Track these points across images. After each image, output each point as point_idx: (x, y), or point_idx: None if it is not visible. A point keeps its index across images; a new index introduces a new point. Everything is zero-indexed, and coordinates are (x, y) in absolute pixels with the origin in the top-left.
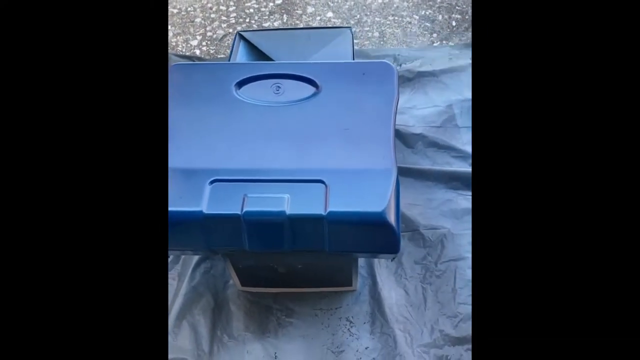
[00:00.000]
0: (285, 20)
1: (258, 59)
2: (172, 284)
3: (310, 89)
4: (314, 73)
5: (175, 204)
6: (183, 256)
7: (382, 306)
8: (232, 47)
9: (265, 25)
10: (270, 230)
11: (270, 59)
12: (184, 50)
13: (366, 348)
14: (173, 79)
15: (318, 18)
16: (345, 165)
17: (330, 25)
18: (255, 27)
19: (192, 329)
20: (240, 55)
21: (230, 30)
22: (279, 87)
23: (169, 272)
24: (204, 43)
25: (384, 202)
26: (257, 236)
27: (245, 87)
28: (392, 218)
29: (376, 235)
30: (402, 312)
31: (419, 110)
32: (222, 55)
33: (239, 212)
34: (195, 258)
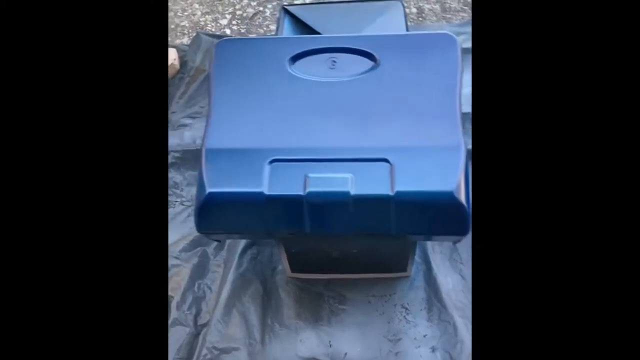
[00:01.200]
0: None
1: (305, 33)
2: (218, 271)
3: (368, 63)
4: (370, 46)
5: (235, 185)
6: (228, 242)
7: (438, 292)
8: (278, 22)
9: (297, 3)
10: (333, 212)
11: (319, 34)
12: (213, 29)
13: (424, 335)
14: (220, 54)
15: None
16: (409, 143)
17: None
18: (287, 5)
19: (243, 317)
20: (287, 31)
21: (261, 9)
22: (334, 61)
23: (215, 259)
24: (234, 22)
25: (454, 180)
26: (320, 218)
27: (299, 62)
28: (462, 197)
29: (446, 216)
30: (460, 298)
31: (466, 88)
32: (253, 35)
33: (301, 193)
34: (241, 244)
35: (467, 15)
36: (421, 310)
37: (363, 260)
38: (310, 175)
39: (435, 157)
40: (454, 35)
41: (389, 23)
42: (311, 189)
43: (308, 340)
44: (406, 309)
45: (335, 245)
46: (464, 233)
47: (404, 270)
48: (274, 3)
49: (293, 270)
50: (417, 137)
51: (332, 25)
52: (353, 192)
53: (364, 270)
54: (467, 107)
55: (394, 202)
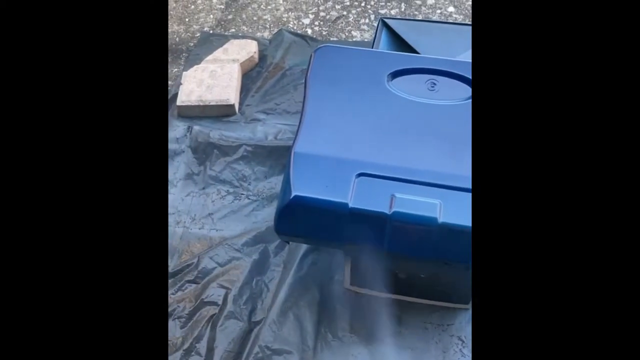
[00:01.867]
0: (403, 9)
1: (401, 49)
2: (277, 270)
3: (469, 90)
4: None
5: (320, 192)
6: (288, 245)
7: None
8: (376, 33)
9: (382, 12)
10: (416, 236)
11: (415, 51)
12: (295, 27)
13: None
14: (320, 59)
15: (438, 11)
16: None
17: (453, 21)
18: (370, 12)
19: (297, 321)
20: (383, 44)
21: (344, 13)
22: (434, 83)
23: (275, 258)
24: (316, 22)
25: None
26: (401, 240)
27: (398, 79)
28: None
29: None
30: None
31: None
32: (334, 38)
33: (386, 212)
34: (303, 248)
35: None
36: None
37: (427, 286)
38: (397, 195)
39: None
40: None
41: None
42: (398, 209)
43: (360, 356)
44: (463, 341)
45: (404, 267)
46: None
47: (466, 302)
48: (358, 9)
49: (353, 282)
50: None
51: (430, 45)
52: (441, 219)
53: (424, 295)
54: None
55: None
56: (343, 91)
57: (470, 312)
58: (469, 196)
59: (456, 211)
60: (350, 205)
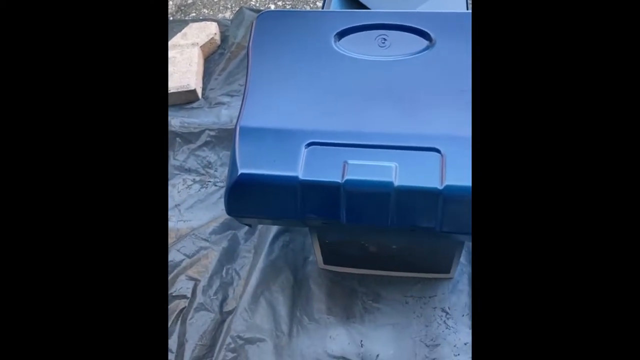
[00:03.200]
0: None
1: (352, 8)
2: (248, 256)
3: (422, 42)
4: (426, 24)
5: (268, 167)
6: (259, 227)
7: None
8: None
9: None
10: (373, 202)
11: (368, 9)
12: (257, 4)
13: (465, 344)
14: (261, 27)
15: None
16: (463, 132)
17: None
18: None
19: (270, 307)
20: (334, 6)
21: None
22: (384, 39)
23: (245, 244)
24: None
25: None
26: (358, 209)
27: (346, 39)
28: None
29: None
30: None
31: None
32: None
33: (339, 180)
34: (273, 231)
35: None
36: (463, 316)
37: (402, 258)
38: (350, 161)
39: None
40: None
41: (447, 1)
42: (350, 176)
43: (339, 337)
44: (447, 313)
45: (373, 239)
46: None
47: (447, 271)
48: None
49: (326, 262)
50: (469, 126)
51: (383, 2)
52: (397, 182)
53: (402, 268)
54: None
55: (443, 197)
56: (287, 57)
57: (452, 281)
58: (427, 155)
59: (414, 172)
60: (301, 177)
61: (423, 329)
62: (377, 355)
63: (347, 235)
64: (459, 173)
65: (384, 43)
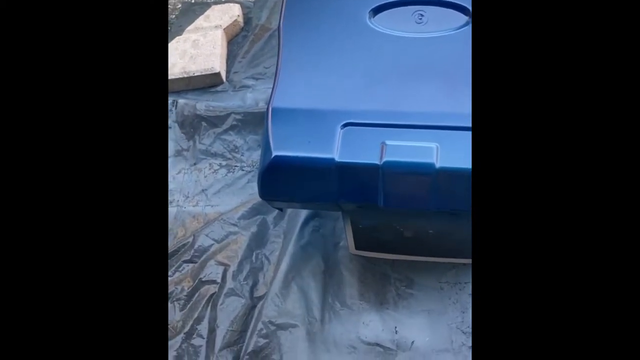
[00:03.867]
0: None
1: None
2: (277, 242)
3: (462, 18)
4: None
5: (303, 149)
6: (289, 212)
7: None
8: None
9: None
10: (413, 185)
11: None
12: None
13: None
14: (292, 5)
15: None
16: None
17: None
18: None
19: (302, 293)
20: None
21: None
22: (422, 15)
23: (275, 229)
24: None
25: None
26: (396, 192)
27: (381, 15)
28: None
29: None
30: None
31: None
32: None
33: (377, 162)
34: (303, 215)
35: None
36: None
37: (437, 243)
38: (388, 142)
39: None
40: None
41: None
42: (389, 158)
43: (372, 323)
44: None
45: (409, 223)
46: None
47: None
48: None
49: (358, 247)
50: None
51: None
52: (438, 164)
53: (436, 253)
54: None
55: None
56: (320, 35)
57: None
58: (468, 135)
59: (456, 153)
60: (337, 159)
61: (459, 315)
62: (412, 342)
63: (383, 220)
64: None
65: (421, 19)
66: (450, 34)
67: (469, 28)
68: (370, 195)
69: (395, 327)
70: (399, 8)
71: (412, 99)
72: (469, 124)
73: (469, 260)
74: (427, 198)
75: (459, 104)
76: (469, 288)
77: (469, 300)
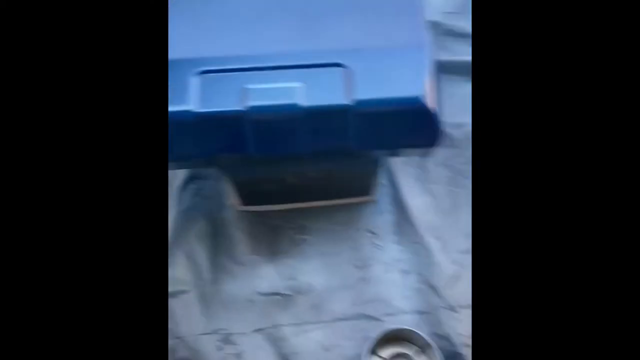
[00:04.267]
0: None
1: None
2: None
3: None
4: None
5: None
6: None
7: (407, 214)
8: None
9: None
10: (281, 128)
11: None
12: None
13: (395, 260)
14: None
15: None
16: (366, 44)
17: None
18: None
19: (190, 259)
20: None
21: None
22: None
23: None
24: None
25: (421, 84)
26: (266, 137)
27: None
28: (431, 102)
29: (413, 124)
30: (431, 218)
31: None
32: None
33: (240, 108)
34: (180, 177)
35: None
36: (390, 234)
37: (322, 186)
38: (251, 86)
39: (398, 59)
40: None
41: None
42: (253, 102)
43: (268, 276)
44: (373, 233)
45: (288, 169)
46: (433, 144)
47: (368, 193)
48: None
49: (243, 202)
50: (374, 37)
51: None
52: (304, 103)
53: (324, 197)
54: None
55: (353, 113)
56: None
57: (375, 203)
58: (331, 71)
59: (320, 91)
60: (195, 110)
61: (352, 252)
62: (310, 284)
63: (260, 170)
64: (367, 86)
65: None
66: None
67: None
68: (239, 145)
69: (291, 274)
70: None
71: (270, 39)
72: (329, 60)
73: (356, 199)
74: (296, 140)
75: (318, 40)
76: (359, 225)
77: (360, 236)
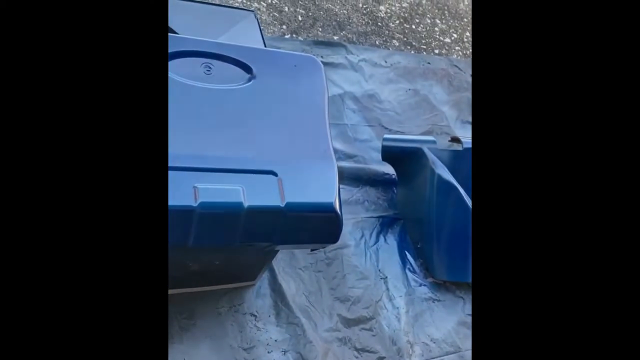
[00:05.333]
0: None
1: None
2: None
3: (244, 75)
4: (246, 57)
5: None
6: None
7: (284, 297)
8: None
9: None
10: (224, 223)
11: (173, 31)
12: None
13: (275, 340)
14: None
15: None
16: (290, 156)
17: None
18: None
19: None
20: None
21: None
22: (209, 67)
23: None
24: None
25: (333, 193)
26: (208, 231)
27: (173, 62)
28: (338, 208)
29: (325, 225)
30: (303, 301)
31: None
32: None
33: (192, 204)
34: None
35: (277, 30)
36: (269, 316)
37: (218, 272)
38: (199, 185)
39: (315, 171)
40: (318, 60)
41: (246, 34)
42: (204, 199)
43: None
44: (255, 316)
45: (202, 258)
46: (335, 240)
47: (253, 279)
48: None
49: None
50: (296, 151)
51: (188, 25)
52: (246, 203)
53: (213, 282)
54: None
55: (284, 213)
56: None
57: (256, 287)
58: (266, 178)
59: (258, 193)
60: None
61: (238, 335)
62: None
63: (177, 258)
64: (294, 192)
65: (209, 71)
66: (236, 87)
67: (252, 84)
68: (180, 237)
69: (184, 359)
70: (189, 58)
71: (211, 144)
72: (265, 167)
73: (240, 284)
74: (235, 234)
75: (254, 150)
76: (242, 309)
77: (244, 319)
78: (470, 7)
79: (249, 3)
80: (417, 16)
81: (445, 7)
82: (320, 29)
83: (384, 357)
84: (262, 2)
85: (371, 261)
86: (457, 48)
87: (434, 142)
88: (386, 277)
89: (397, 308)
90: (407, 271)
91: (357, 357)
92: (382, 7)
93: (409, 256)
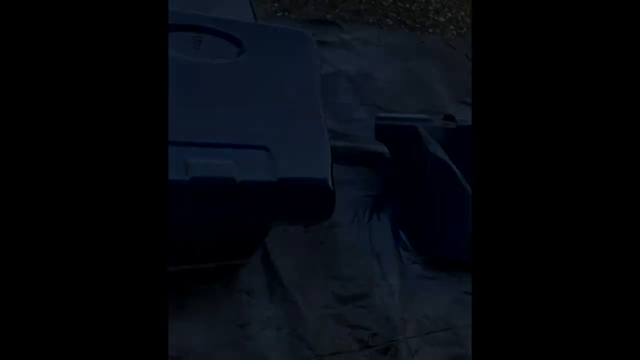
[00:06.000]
0: None
1: None
2: None
3: (234, 48)
4: (236, 31)
5: None
6: None
7: (278, 275)
8: None
9: None
10: (216, 198)
11: None
12: None
13: (269, 317)
14: None
15: None
16: (282, 132)
17: None
18: None
19: None
20: None
21: None
22: (199, 41)
23: None
24: None
25: (326, 168)
26: (201, 205)
27: None
28: (331, 184)
29: (318, 200)
30: (296, 278)
31: None
32: None
33: (185, 179)
34: None
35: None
36: (264, 293)
37: (211, 249)
38: (191, 160)
39: (307, 145)
40: (310, 35)
41: (237, 8)
42: (196, 174)
43: None
44: (249, 293)
45: (198, 233)
46: (328, 216)
47: (247, 256)
48: None
49: None
50: (288, 126)
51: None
52: (238, 178)
53: (206, 259)
54: None
55: (276, 188)
56: None
57: (250, 264)
58: (258, 152)
59: (250, 168)
60: None
61: (232, 312)
62: (196, 346)
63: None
64: (286, 167)
65: (199, 45)
66: (229, 61)
67: (243, 58)
68: (172, 212)
69: (178, 336)
70: (178, 32)
71: (202, 119)
72: (257, 142)
73: (235, 262)
74: (227, 208)
75: (244, 125)
76: (236, 286)
77: (239, 296)
78: None
79: None
80: None
81: None
82: (312, 7)
83: (377, 334)
84: None
85: (365, 239)
86: (451, 27)
87: (427, 120)
88: (380, 255)
89: (391, 285)
90: (400, 249)
91: (350, 334)
92: None
93: (402, 234)
